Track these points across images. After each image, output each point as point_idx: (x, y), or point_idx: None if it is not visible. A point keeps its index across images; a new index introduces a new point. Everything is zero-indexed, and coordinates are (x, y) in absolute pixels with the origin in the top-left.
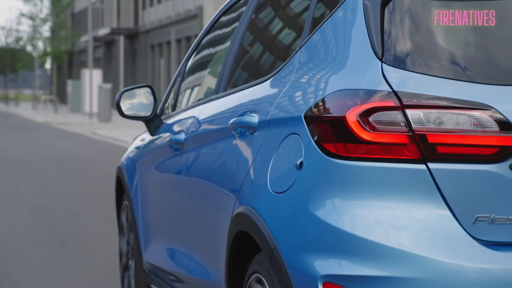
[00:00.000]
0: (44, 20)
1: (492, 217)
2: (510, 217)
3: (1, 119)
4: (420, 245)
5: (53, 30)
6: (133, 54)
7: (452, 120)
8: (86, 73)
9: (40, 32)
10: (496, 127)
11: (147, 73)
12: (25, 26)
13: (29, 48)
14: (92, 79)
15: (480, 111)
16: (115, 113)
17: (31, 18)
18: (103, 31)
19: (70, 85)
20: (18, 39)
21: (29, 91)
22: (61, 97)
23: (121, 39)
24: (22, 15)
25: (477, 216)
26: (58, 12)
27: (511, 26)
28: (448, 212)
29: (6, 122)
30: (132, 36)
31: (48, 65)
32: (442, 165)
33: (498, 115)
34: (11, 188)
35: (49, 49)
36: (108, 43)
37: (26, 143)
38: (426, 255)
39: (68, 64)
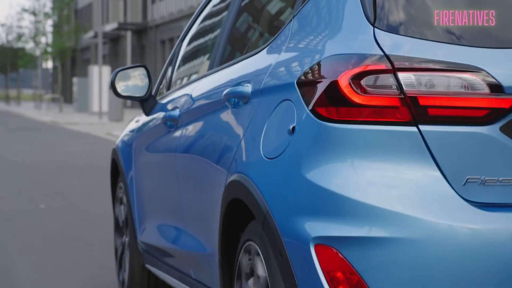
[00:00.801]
0: (48, 15)
1: (482, 178)
2: (501, 179)
3: (4, 119)
4: (411, 206)
5: (57, 25)
6: (141, 50)
7: (443, 82)
8: (94, 70)
9: (44, 28)
10: (487, 90)
11: (157, 71)
12: (27, 22)
13: (31, 45)
14: (101, 76)
15: (471, 73)
16: (128, 111)
17: (34, 13)
18: (109, 27)
19: (76, 83)
20: (19, 36)
21: (29, 90)
22: (64, 96)
23: (128, 34)
24: (25, 10)
25: (467, 177)
26: (62, 6)
27: None
28: (439, 174)
29: (11, 122)
30: (140, 32)
31: (49, 63)
32: (433, 127)
33: (489, 78)
34: (30, 206)
35: (49, 49)
36: (113, 39)
37: (36, 146)
38: (416, 216)
39: (70, 62)
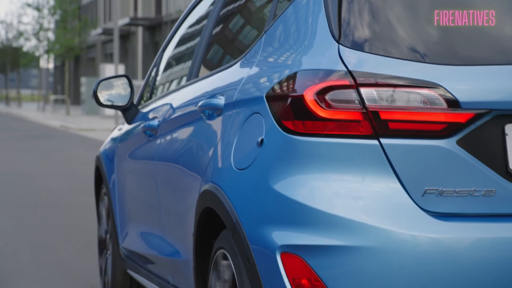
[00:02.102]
0: (54, 9)
1: (440, 189)
2: (457, 190)
3: (8, 124)
4: (373, 217)
5: (63, 19)
6: (154, 48)
7: (404, 98)
8: (106, 68)
9: (50, 23)
10: (444, 105)
11: None
12: (30, 18)
13: (32, 43)
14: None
15: (430, 89)
16: None
17: (37, 8)
18: (119, 22)
19: (84, 83)
20: (20, 34)
21: (27, 90)
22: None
23: (140, 30)
24: (28, 5)
25: (426, 188)
26: (68, 0)
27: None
28: (399, 185)
29: (16, 128)
30: (153, 28)
31: (51, 63)
32: (394, 141)
33: (446, 93)
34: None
35: (56, 46)
36: (123, 36)
37: (56, 163)
38: (377, 226)
39: (74, 61)
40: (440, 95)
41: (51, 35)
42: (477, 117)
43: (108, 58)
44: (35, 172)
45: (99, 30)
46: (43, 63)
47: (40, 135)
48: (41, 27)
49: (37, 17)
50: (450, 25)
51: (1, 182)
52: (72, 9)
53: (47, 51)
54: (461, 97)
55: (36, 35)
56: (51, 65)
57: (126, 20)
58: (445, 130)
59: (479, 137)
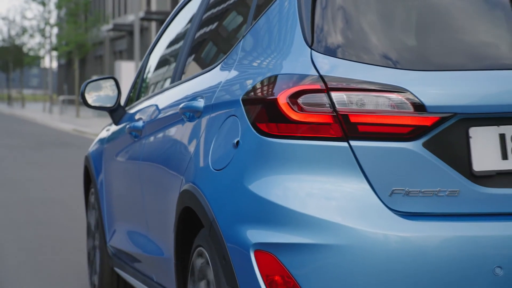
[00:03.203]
0: (61, 2)
1: (406, 190)
2: (423, 190)
3: (14, 126)
4: (342, 216)
5: (73, 13)
6: None
7: (372, 102)
8: (123, 66)
9: (59, 17)
10: (411, 109)
11: None
12: (34, 13)
13: (36, 40)
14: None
15: (397, 93)
16: None
17: (43, 3)
18: (130, 17)
19: None
20: (24, 30)
21: (28, 90)
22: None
23: (153, 26)
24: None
25: (393, 189)
26: None
27: (427, 18)
28: (367, 186)
29: (24, 132)
30: None
31: (54, 61)
32: (363, 143)
33: (413, 98)
34: None
35: (58, 42)
36: (133, 32)
37: (79, 178)
38: (346, 224)
39: (80, 60)
40: (407, 99)
41: (57, 31)
42: (442, 120)
43: (118, 55)
44: (62, 197)
45: (109, 25)
46: (47, 61)
47: (53, 141)
48: (47, 22)
49: (42, 12)
50: (423, 31)
51: (21, 224)
52: (83, 2)
53: (54, 49)
54: (427, 101)
55: (41, 31)
56: (54, 64)
57: (140, 14)
58: (411, 133)
59: (444, 140)
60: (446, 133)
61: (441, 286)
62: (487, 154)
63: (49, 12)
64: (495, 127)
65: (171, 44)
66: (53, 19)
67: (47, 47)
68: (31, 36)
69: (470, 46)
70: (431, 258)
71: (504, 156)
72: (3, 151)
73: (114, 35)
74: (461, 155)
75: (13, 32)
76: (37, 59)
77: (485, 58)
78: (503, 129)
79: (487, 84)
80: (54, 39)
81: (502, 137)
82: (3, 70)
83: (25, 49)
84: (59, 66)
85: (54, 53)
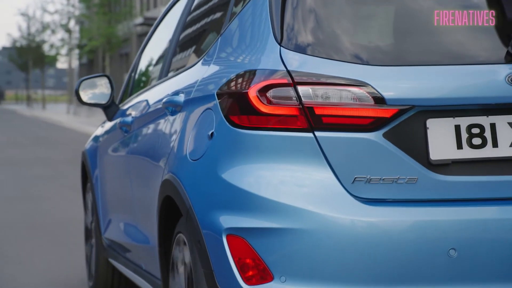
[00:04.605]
0: None
1: (368, 177)
2: (383, 178)
3: (39, 132)
4: (307, 202)
5: (104, 3)
6: None
7: (336, 95)
8: None
9: (90, 10)
10: (371, 101)
11: None
12: (58, 6)
13: (58, 36)
14: None
15: (359, 87)
16: None
17: None
18: (158, 12)
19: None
20: (47, 26)
21: (44, 91)
22: None
23: None
24: None
25: (355, 176)
26: None
27: (388, 17)
28: (331, 174)
29: (53, 140)
30: None
31: (75, 59)
32: (327, 134)
33: (373, 91)
34: None
35: (84, 36)
36: None
37: None
38: (311, 210)
39: (103, 58)
40: (368, 92)
41: (79, 26)
42: (401, 112)
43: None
44: None
45: (139, 19)
46: (62, 60)
47: None
48: (72, 16)
49: (66, 5)
50: (385, 29)
51: None
52: None
53: (80, 46)
54: (387, 94)
55: (65, 26)
56: (74, 63)
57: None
58: (372, 124)
59: (403, 131)
60: (405, 124)
61: (399, 266)
62: (443, 144)
63: (73, 6)
64: (451, 118)
65: (160, 43)
66: (77, 13)
67: (72, 42)
68: (53, 31)
69: (429, 43)
70: (390, 241)
71: (459, 146)
72: (34, 170)
73: (141, 30)
74: (419, 145)
75: (33, 29)
76: (58, 57)
77: (443, 55)
78: (458, 120)
79: (444, 78)
80: (77, 35)
81: (458, 128)
82: (22, 70)
83: (46, 47)
84: (81, 65)
85: (76, 51)
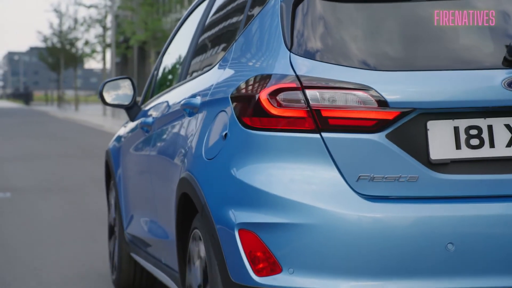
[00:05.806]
0: None
1: (371, 176)
2: (386, 176)
3: (78, 139)
4: (314, 198)
5: None
6: None
7: (342, 98)
8: None
9: (134, 3)
10: (375, 104)
11: None
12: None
13: (92, 33)
14: None
15: (363, 91)
16: None
17: None
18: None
19: None
20: (83, 21)
21: (70, 91)
22: None
23: None
24: None
25: (360, 175)
26: None
27: (393, 24)
28: (337, 172)
29: (98, 148)
30: None
31: (108, 57)
32: (333, 135)
33: (377, 95)
34: None
35: (128, 31)
36: None
37: None
38: (318, 206)
39: (139, 55)
40: (372, 96)
41: (116, 21)
42: (403, 114)
43: None
44: None
45: (179, 14)
46: (99, 58)
47: None
48: (110, 9)
49: None
50: (388, 36)
51: None
52: None
53: (118, 43)
54: (389, 98)
55: (101, 21)
56: (107, 63)
57: None
58: (375, 126)
59: (405, 132)
60: (407, 126)
61: (400, 259)
62: (443, 145)
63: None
64: (450, 120)
65: (180, 46)
66: (116, 6)
67: (109, 39)
68: (88, 27)
69: (430, 50)
70: (392, 235)
71: (458, 146)
72: (91, 199)
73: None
74: (420, 145)
75: (65, 27)
76: (94, 54)
77: (443, 61)
78: (457, 122)
79: (443, 83)
80: (114, 31)
81: (456, 129)
82: (53, 69)
83: (79, 44)
84: (115, 64)
85: (111, 49)
